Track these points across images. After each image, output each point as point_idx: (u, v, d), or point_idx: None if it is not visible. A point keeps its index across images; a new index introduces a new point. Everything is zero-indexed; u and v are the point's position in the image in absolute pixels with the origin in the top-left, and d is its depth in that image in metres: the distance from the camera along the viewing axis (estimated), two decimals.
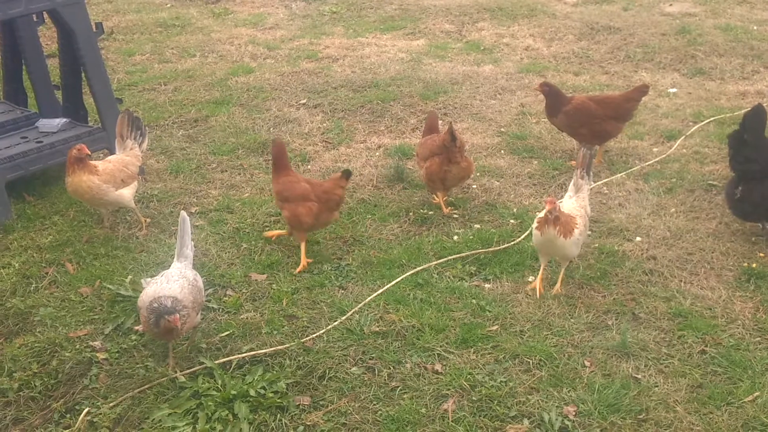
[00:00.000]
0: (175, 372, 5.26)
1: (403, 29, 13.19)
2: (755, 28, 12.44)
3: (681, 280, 6.20)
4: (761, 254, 6.52)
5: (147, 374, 5.28)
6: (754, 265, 6.35)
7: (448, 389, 5.10)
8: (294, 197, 6.53)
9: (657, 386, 5.10)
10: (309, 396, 5.11)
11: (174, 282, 5.18)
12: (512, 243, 6.73)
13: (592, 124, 7.97)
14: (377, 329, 5.68)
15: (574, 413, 4.88)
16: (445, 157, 7.11)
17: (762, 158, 6.57)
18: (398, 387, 5.15)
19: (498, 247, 6.69)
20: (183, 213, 5.59)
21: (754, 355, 5.36)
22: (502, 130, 9.09)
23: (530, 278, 6.27)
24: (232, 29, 13.38)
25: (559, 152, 8.46)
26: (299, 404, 5.03)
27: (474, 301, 5.99)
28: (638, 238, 6.80)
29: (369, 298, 6.01)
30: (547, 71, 10.99)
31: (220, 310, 5.97)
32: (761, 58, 11.10)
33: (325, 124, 9.38)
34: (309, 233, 6.69)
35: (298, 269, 6.43)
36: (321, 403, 5.06)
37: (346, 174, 6.56)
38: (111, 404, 5.08)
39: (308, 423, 4.90)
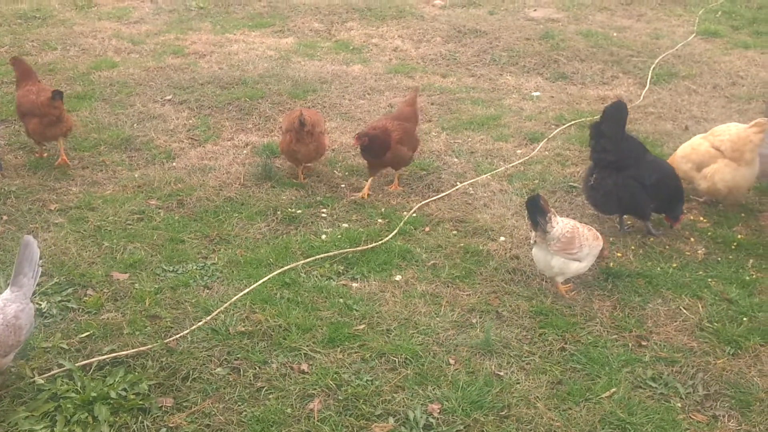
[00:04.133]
0: (33, 374, 5.07)
1: (271, 27, 13.12)
2: (615, 34, 12.87)
3: (542, 279, 6.33)
4: (619, 254, 6.73)
5: (3, 377, 5.07)
6: (611, 265, 6.55)
7: (315, 389, 5.08)
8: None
9: (519, 383, 5.19)
10: (172, 397, 5.00)
11: None
12: (380, 242, 6.76)
13: (412, 140, 7.86)
14: (243, 329, 5.61)
15: (438, 411, 4.92)
16: (295, 137, 7.56)
17: (616, 150, 6.88)
18: (264, 387, 5.10)
19: (366, 246, 6.70)
20: (27, 237, 5.03)
21: (611, 352, 5.52)
22: None
23: (397, 277, 6.31)
24: (96, 22, 13.05)
25: (426, 152, 8.55)
26: (162, 406, 4.91)
27: (341, 300, 5.99)
28: (502, 238, 6.93)
29: (235, 298, 5.93)
30: (415, 72, 11.10)
31: (80, 310, 5.79)
32: (620, 64, 11.48)
33: (191, 121, 9.24)
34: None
35: None
36: (184, 404, 4.96)
37: (58, 95, 7.63)
38: None
39: (171, 425, 4.79)
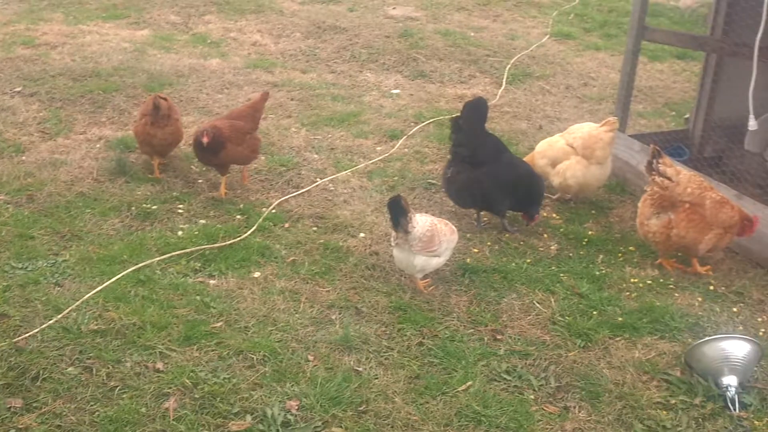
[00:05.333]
0: None
1: (126, 18, 12.82)
2: (472, 34, 13.10)
3: (401, 275, 6.39)
4: (475, 250, 6.85)
5: None
6: (468, 261, 6.66)
7: (170, 387, 4.97)
8: None
9: (377, 378, 5.22)
10: (21, 398, 4.81)
11: None
12: (238, 239, 6.69)
13: (249, 140, 7.57)
14: (96, 328, 5.45)
15: (296, 407, 4.90)
16: (150, 121, 7.47)
17: (471, 145, 7.06)
18: (117, 386, 4.96)
19: (224, 243, 6.62)
20: None
21: (468, 346, 5.61)
22: None
23: (256, 274, 6.26)
24: None
25: (286, 148, 8.50)
26: (11, 407, 4.72)
27: (198, 297, 5.89)
28: (362, 234, 6.95)
29: (87, 296, 5.76)
30: (274, 68, 11.03)
31: None
32: (477, 64, 11.69)
33: (41, 114, 8.93)
34: None
35: None
36: (34, 405, 4.78)
37: None
38: None
39: (20, 426, 4.61)
